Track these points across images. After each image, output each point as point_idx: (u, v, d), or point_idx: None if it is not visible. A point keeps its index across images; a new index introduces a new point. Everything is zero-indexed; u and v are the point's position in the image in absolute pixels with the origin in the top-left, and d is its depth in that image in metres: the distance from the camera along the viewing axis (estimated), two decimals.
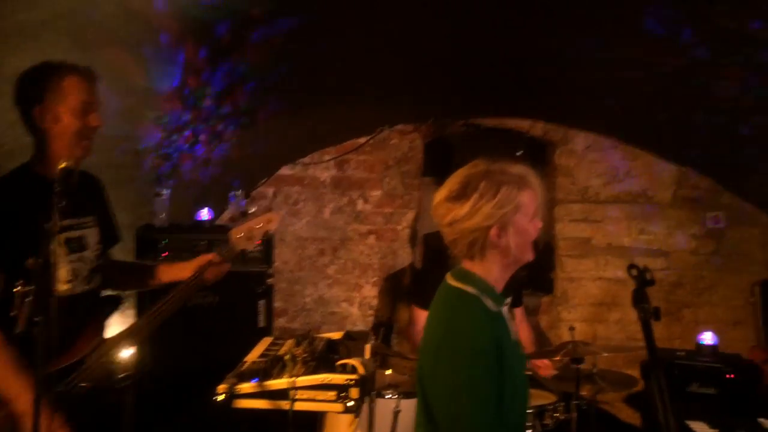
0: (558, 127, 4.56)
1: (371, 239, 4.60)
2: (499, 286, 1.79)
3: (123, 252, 3.37)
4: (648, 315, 1.53)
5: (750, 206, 4.49)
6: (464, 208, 1.70)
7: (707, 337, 3.75)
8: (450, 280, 1.81)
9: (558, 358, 2.96)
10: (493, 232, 1.70)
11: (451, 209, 1.72)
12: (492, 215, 1.69)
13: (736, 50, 2.97)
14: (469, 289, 1.74)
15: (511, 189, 1.70)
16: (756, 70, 3.08)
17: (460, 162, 5.02)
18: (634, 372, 3.91)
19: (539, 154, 4.71)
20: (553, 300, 4.60)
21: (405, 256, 4.60)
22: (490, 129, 4.61)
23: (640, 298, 1.55)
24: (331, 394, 2.26)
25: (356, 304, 4.59)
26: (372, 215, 4.59)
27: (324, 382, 2.27)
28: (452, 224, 1.73)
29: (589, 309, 4.54)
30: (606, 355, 2.93)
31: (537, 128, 4.59)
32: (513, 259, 1.76)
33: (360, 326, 4.57)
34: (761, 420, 2.17)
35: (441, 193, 1.77)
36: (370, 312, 4.57)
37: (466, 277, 1.76)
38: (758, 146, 3.83)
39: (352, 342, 2.81)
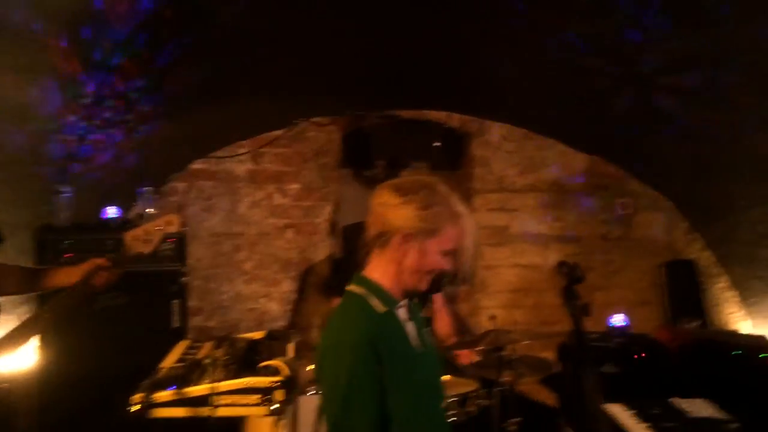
0: (474, 119, 4.61)
1: (290, 233, 4.51)
2: (396, 291, 1.76)
3: (22, 253, 3.14)
4: (577, 311, 1.54)
5: (654, 192, 4.71)
6: (396, 200, 1.71)
7: (618, 319, 3.90)
8: (346, 287, 1.82)
9: (481, 348, 2.99)
10: (400, 235, 1.70)
11: (387, 195, 1.74)
12: (410, 222, 1.69)
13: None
14: (358, 290, 1.75)
15: (441, 213, 1.70)
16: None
17: (379, 153, 4.98)
18: (550, 354, 4.04)
19: (457, 145, 4.75)
20: (472, 288, 4.67)
21: (325, 249, 4.54)
22: (408, 120, 4.61)
23: (570, 296, 1.56)
24: (255, 398, 2.19)
25: (275, 299, 4.49)
26: (290, 209, 4.50)
27: (247, 386, 2.20)
28: (379, 206, 1.74)
29: (507, 296, 4.63)
30: (527, 342, 2.98)
31: (454, 120, 4.63)
32: (404, 277, 1.73)
33: (281, 322, 4.47)
34: (673, 400, 2.25)
35: (393, 180, 1.79)
36: (290, 308, 4.49)
37: (360, 279, 1.78)
38: (661, 137, 4.01)
39: (274, 342, 2.74)
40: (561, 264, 1.62)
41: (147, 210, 3.48)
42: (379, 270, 1.76)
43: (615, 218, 4.69)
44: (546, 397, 4.43)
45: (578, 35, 3.18)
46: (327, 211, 4.53)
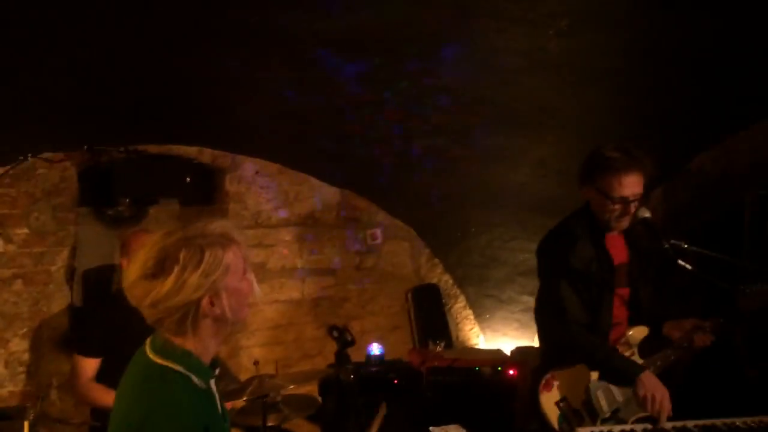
0: (226, 154, 4.51)
1: (18, 284, 3.94)
2: (209, 355, 1.64)
3: None
4: (349, 375, 1.56)
5: (400, 222, 5.05)
6: (167, 285, 1.51)
7: (374, 348, 4.09)
8: (150, 354, 1.60)
9: (245, 398, 2.90)
10: (204, 302, 1.55)
11: (150, 288, 1.52)
12: (201, 285, 1.53)
13: (387, 87, 3.30)
14: (176, 367, 1.56)
15: (215, 251, 1.56)
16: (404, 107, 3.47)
17: (122, 190, 4.61)
18: (313, 388, 4.08)
19: (209, 181, 4.60)
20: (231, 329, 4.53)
21: (62, 300, 4.05)
22: (155, 155, 4.34)
23: (342, 360, 1.57)
24: None
25: (2, 362, 3.89)
26: (18, 257, 3.94)
27: None
28: (155, 304, 1.52)
29: (267, 333, 4.59)
30: (292, 387, 2.97)
31: (205, 155, 4.48)
32: (228, 323, 1.62)
33: (9, 387, 3.88)
34: (432, 429, 2.40)
35: (133, 271, 1.55)
36: (22, 369, 3.92)
37: (171, 353, 1.58)
38: (402, 171, 4.33)
39: (4, 422, 2.36)
40: (331, 328, 1.63)
41: None
42: (193, 340, 1.58)
43: (366, 249, 4.92)
44: (309, 431, 4.47)
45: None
46: (63, 256, 4.06)
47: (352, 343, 1.61)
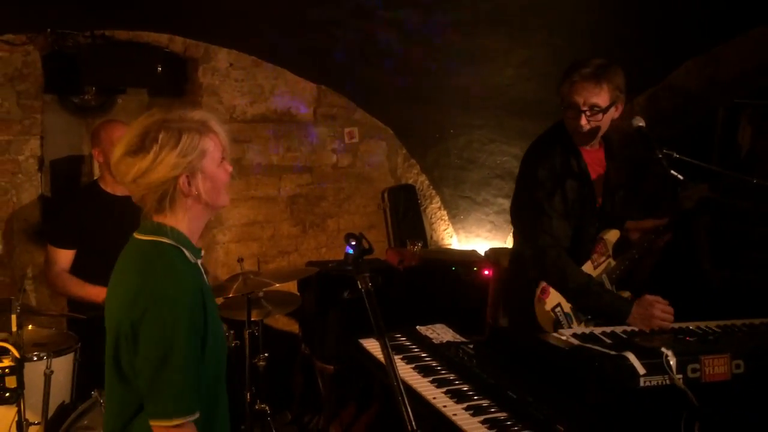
0: (199, 44, 4.31)
1: None
2: (195, 237, 1.76)
3: None
4: (367, 284, 1.56)
5: (377, 121, 4.98)
6: (146, 161, 1.63)
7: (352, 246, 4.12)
8: (140, 236, 1.72)
9: (231, 295, 2.92)
10: (181, 181, 1.66)
11: (132, 164, 1.64)
12: (177, 164, 1.64)
13: None
14: (166, 240, 1.69)
15: (192, 135, 1.66)
16: None
17: (89, 77, 4.41)
18: (291, 287, 4.15)
19: (180, 72, 4.42)
20: (207, 223, 4.50)
21: (32, 191, 3.94)
22: (124, 42, 4.12)
23: (359, 268, 1.57)
24: None
25: None
26: None
27: None
28: (137, 180, 1.65)
29: (243, 229, 4.58)
30: (278, 285, 3.00)
31: (176, 43, 4.27)
32: (206, 206, 1.74)
33: None
34: (418, 328, 2.48)
35: (119, 149, 1.67)
36: None
37: (159, 229, 1.70)
38: (381, 69, 4.21)
39: None
40: (348, 236, 1.63)
41: None
42: (174, 218, 1.69)
43: (343, 147, 4.86)
44: (285, 324, 4.59)
45: None
46: (32, 145, 3.91)
47: (370, 251, 1.62)
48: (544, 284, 2.51)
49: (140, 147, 1.63)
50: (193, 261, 1.72)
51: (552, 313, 2.47)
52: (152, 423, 1.59)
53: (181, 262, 1.67)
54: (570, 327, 2.46)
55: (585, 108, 2.43)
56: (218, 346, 1.73)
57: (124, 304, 1.63)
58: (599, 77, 2.42)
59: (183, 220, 1.70)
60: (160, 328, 1.57)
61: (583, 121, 2.44)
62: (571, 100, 2.45)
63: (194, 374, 1.60)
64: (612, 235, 2.69)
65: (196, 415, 1.60)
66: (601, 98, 2.42)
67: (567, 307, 2.49)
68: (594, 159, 2.64)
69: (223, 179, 1.73)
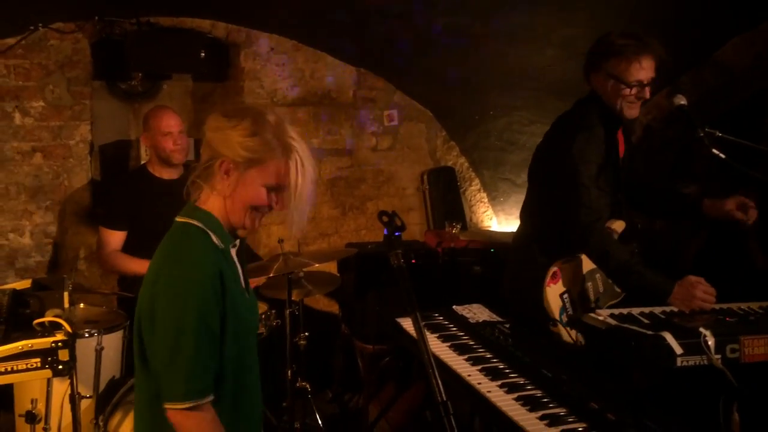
0: (241, 29, 4.37)
1: (37, 158, 3.96)
2: (228, 225, 1.72)
3: None
4: (400, 261, 1.58)
5: (417, 103, 4.98)
6: (221, 123, 1.64)
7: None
8: (178, 218, 1.74)
9: (272, 275, 2.99)
10: (223, 162, 1.63)
11: (214, 120, 1.66)
12: (232, 148, 1.61)
13: None
14: (195, 222, 1.69)
15: (267, 144, 1.62)
16: None
17: (135, 64, 4.52)
18: (332, 267, 4.21)
19: (223, 56, 4.49)
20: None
21: (83, 174, 4.08)
22: (168, 28, 4.21)
23: (392, 245, 1.60)
24: (35, 361, 1.96)
25: (27, 233, 3.98)
26: (36, 130, 3.92)
27: (24, 350, 1.95)
28: (208, 132, 1.67)
29: (284, 211, 4.64)
30: (318, 266, 3.05)
31: (219, 29, 4.34)
32: (231, 211, 1.68)
33: (37, 257, 3.99)
34: (455, 308, 2.50)
35: (224, 105, 1.77)
36: (48, 240, 4.02)
37: (194, 212, 1.71)
38: (421, 50, 4.21)
39: (43, 292, 2.45)
40: (381, 213, 1.66)
41: None
42: (210, 202, 1.69)
43: (383, 130, 4.88)
44: (325, 305, 4.66)
45: None
46: (82, 131, 4.04)
47: (403, 228, 1.64)
48: (554, 269, 2.47)
49: (231, 114, 1.65)
50: (221, 246, 1.68)
51: (560, 299, 2.44)
52: (166, 406, 1.58)
53: (204, 246, 1.65)
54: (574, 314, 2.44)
55: (647, 83, 2.43)
56: (241, 330, 1.71)
57: (146, 285, 1.65)
58: (651, 49, 2.42)
59: (214, 205, 1.68)
60: (172, 309, 1.57)
61: (648, 95, 2.45)
62: (637, 77, 2.42)
63: (207, 356, 1.59)
64: (618, 226, 2.65)
65: (210, 398, 1.59)
66: (654, 70, 2.45)
67: (575, 293, 2.47)
68: (619, 139, 2.63)
69: (252, 198, 1.65)
